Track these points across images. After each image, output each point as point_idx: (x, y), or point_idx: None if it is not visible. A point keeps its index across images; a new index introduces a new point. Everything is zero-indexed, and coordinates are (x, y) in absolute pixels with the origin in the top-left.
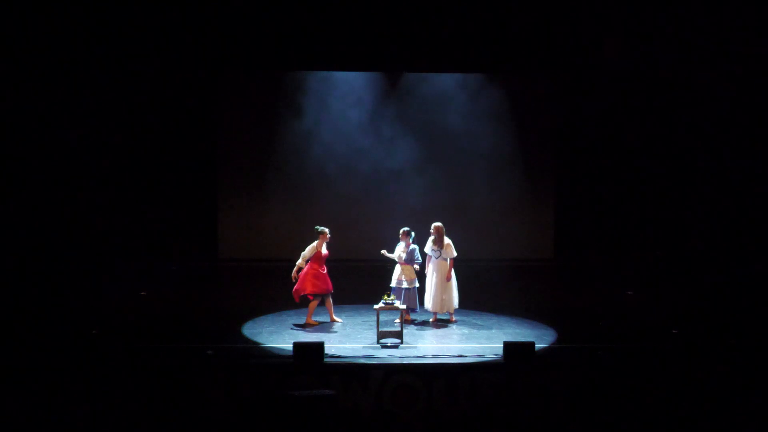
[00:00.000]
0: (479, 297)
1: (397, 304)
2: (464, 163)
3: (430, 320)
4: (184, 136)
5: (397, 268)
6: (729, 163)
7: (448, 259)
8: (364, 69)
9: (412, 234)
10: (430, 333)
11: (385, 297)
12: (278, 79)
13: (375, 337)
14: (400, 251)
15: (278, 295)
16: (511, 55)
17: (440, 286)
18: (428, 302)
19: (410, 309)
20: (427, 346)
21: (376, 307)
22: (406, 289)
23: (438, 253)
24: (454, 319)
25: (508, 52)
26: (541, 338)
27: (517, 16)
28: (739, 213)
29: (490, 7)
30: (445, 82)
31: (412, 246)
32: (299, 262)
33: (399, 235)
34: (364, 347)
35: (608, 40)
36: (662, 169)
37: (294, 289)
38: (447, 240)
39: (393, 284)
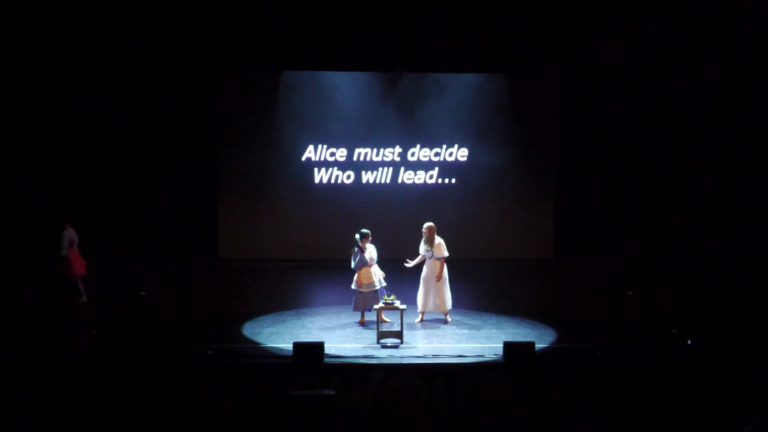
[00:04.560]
0: (479, 297)
1: (397, 303)
2: (464, 163)
3: (416, 320)
4: (184, 137)
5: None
6: (729, 162)
7: (440, 259)
8: (364, 69)
9: (355, 237)
10: (430, 333)
11: (386, 297)
12: (278, 79)
13: (375, 337)
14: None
15: (278, 295)
16: (512, 54)
17: (433, 287)
18: (421, 302)
19: (366, 309)
20: (427, 346)
21: (376, 307)
22: (359, 293)
23: (431, 253)
24: (448, 319)
25: (508, 52)
26: (541, 338)
27: (518, 16)
28: (740, 213)
29: (490, 8)
30: (446, 82)
31: (354, 250)
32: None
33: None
34: (364, 347)
35: (608, 40)
36: (662, 170)
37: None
38: (438, 240)
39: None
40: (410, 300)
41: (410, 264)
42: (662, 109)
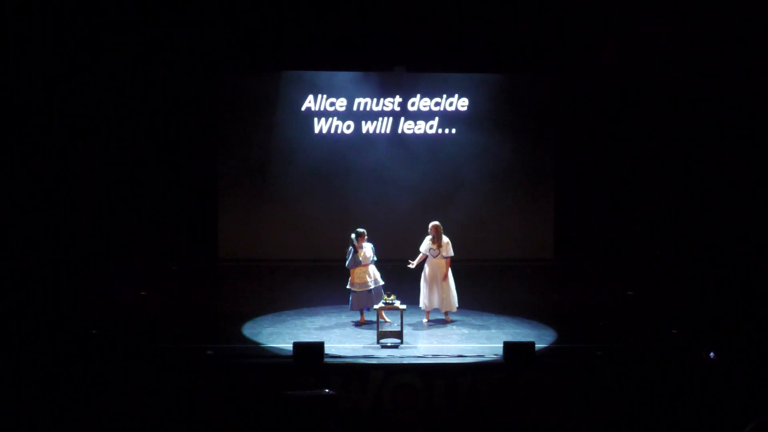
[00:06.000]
0: (479, 297)
1: (397, 304)
2: (464, 163)
3: (425, 320)
4: (184, 136)
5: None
6: (729, 162)
7: (446, 258)
8: (364, 69)
9: (351, 236)
10: (430, 333)
11: (385, 297)
12: (278, 79)
13: (375, 337)
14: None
15: (278, 295)
16: (511, 54)
17: (442, 285)
18: (425, 301)
19: (362, 308)
20: (427, 346)
21: (376, 307)
22: (353, 292)
23: (437, 252)
24: (449, 318)
25: (508, 52)
26: (541, 338)
27: (518, 16)
28: (740, 212)
29: (490, 7)
30: (446, 81)
31: (349, 249)
32: None
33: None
34: (364, 347)
35: (608, 40)
36: (662, 169)
37: None
38: (445, 239)
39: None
40: (411, 300)
41: (413, 264)
42: (663, 109)
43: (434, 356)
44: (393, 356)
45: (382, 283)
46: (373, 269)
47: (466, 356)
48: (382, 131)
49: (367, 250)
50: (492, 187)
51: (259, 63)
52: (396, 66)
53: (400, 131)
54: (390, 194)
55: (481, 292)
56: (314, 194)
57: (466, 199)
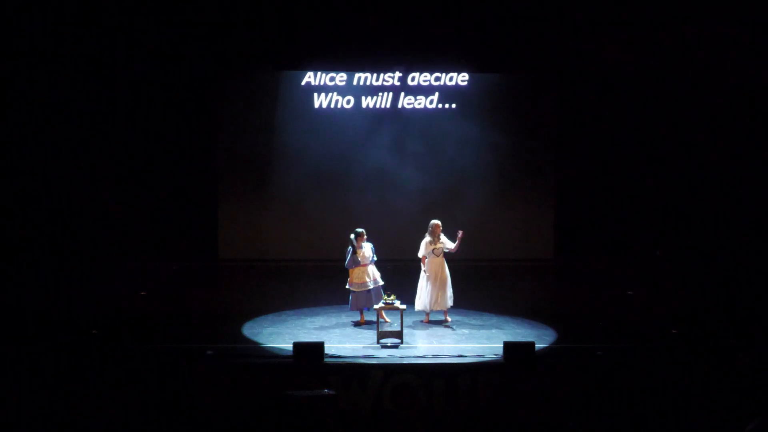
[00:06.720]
0: (479, 297)
1: (397, 304)
2: (464, 163)
3: (425, 321)
4: (184, 136)
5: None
6: (729, 162)
7: (454, 245)
8: (364, 69)
9: (351, 237)
10: (429, 333)
11: (385, 297)
12: (278, 79)
13: (375, 337)
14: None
15: (278, 295)
16: (511, 54)
17: (440, 284)
18: (430, 302)
19: (361, 308)
20: (427, 346)
21: (376, 306)
22: (353, 292)
23: (440, 250)
24: (448, 319)
25: (507, 52)
26: (541, 338)
27: (518, 15)
28: (739, 213)
29: (491, 7)
30: (446, 81)
31: (348, 249)
32: None
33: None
34: (364, 347)
35: (608, 40)
36: (662, 169)
37: None
38: (443, 237)
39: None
40: (411, 300)
41: (425, 271)
42: (663, 108)
43: (434, 356)
44: (393, 356)
45: (381, 283)
46: (372, 269)
47: (465, 356)
48: (382, 106)
49: (367, 250)
50: (492, 187)
51: (258, 62)
52: (396, 66)
53: (400, 106)
54: (390, 194)
55: (481, 292)
56: (314, 194)
57: (467, 199)
